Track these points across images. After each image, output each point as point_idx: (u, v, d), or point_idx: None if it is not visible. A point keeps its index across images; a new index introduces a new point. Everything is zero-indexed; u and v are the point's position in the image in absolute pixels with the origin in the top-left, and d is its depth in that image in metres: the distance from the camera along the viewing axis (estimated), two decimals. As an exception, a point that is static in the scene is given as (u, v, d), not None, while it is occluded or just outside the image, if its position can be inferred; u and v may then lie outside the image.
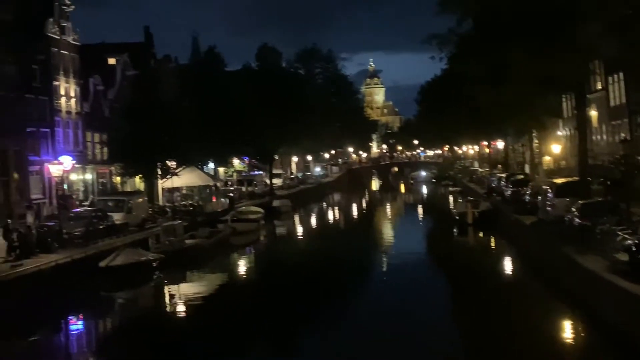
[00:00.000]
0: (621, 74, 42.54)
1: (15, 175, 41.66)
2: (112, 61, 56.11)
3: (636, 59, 26.55)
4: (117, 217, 37.16)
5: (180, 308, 26.81)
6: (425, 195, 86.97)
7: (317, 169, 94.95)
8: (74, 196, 45.50)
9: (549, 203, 31.36)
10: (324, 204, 77.05)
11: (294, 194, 70.39)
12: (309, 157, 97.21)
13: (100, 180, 52.38)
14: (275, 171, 72.26)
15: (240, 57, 72.59)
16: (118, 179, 52.41)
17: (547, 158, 52.37)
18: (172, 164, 46.88)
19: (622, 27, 24.54)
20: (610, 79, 45.35)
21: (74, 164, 44.66)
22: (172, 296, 29.55)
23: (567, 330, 20.36)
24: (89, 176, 50.50)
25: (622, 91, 42.95)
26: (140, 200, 42.31)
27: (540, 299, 24.21)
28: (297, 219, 60.01)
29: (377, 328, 21.40)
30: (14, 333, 22.30)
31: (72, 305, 26.42)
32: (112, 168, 51.70)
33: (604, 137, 47.96)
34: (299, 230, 54.09)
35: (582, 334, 19.79)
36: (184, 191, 52.40)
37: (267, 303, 25.95)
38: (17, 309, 23.75)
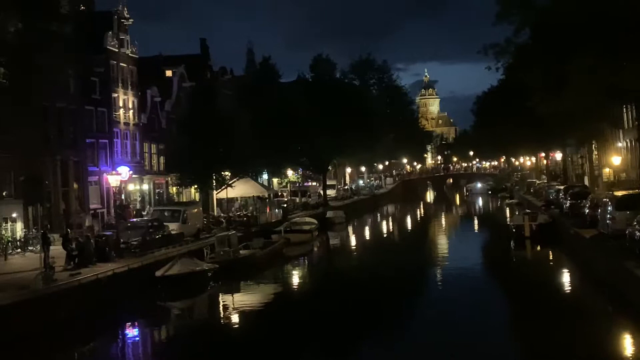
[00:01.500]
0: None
1: (75, 186, 42.59)
2: (169, 73, 57.11)
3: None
4: (173, 227, 37.54)
5: (234, 318, 26.89)
6: (481, 208, 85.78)
7: (360, 182, 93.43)
8: (131, 206, 46.29)
9: (609, 216, 30.48)
10: (378, 216, 76.63)
11: (348, 205, 70.20)
12: (363, 168, 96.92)
13: (157, 190, 53.17)
14: (329, 182, 72.24)
15: (298, 70, 73.01)
16: (174, 189, 53.11)
17: (606, 170, 51.10)
18: (226, 174, 47.27)
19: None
20: (674, 88, 44.02)
21: (131, 175, 45.59)
22: (226, 306, 29.66)
23: (631, 345, 19.68)
24: (145, 186, 51.33)
25: (686, 101, 41.63)
26: (196, 210, 42.68)
27: (603, 315, 23.51)
28: (350, 230, 59.75)
29: (434, 342, 21.06)
30: (72, 341, 22.67)
31: (128, 314, 26.78)
32: (169, 178, 52.44)
33: (667, 148, 46.55)
34: (353, 241, 53.84)
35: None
36: (238, 201, 52.76)
37: (321, 315, 25.79)
38: (75, 317, 24.16)
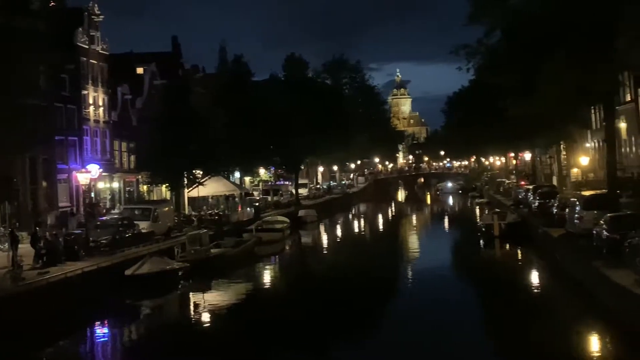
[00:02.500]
0: (652, 86, 42.01)
1: (44, 183, 42.13)
2: (140, 70, 56.72)
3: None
4: (143, 226, 37.29)
5: (205, 318, 26.82)
6: (451, 207, 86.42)
7: (332, 183, 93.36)
8: (101, 204, 45.90)
9: (576, 216, 30.95)
10: (350, 214, 76.86)
11: (320, 204, 70.32)
12: (335, 167, 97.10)
13: (127, 188, 52.78)
14: (301, 181, 72.31)
15: (272, 69, 72.97)
16: (145, 187, 52.77)
17: (575, 170, 51.81)
18: (198, 173, 47.10)
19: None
20: (640, 90, 44.79)
21: (101, 173, 45.18)
22: (197, 305, 29.57)
23: (599, 344, 20.01)
24: (115, 185, 50.93)
25: (652, 103, 42.40)
26: (167, 209, 42.47)
27: (570, 313, 23.85)
28: (322, 229, 59.88)
29: (405, 341, 21.23)
30: (40, 340, 22.44)
31: (97, 314, 26.57)
32: (139, 177, 52.10)
33: (633, 149, 47.32)
34: (325, 240, 53.96)
35: (614, 348, 19.43)
36: (210, 200, 52.61)
37: (292, 314, 25.84)
38: (44, 316, 23.91)
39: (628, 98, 47.23)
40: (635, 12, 22.28)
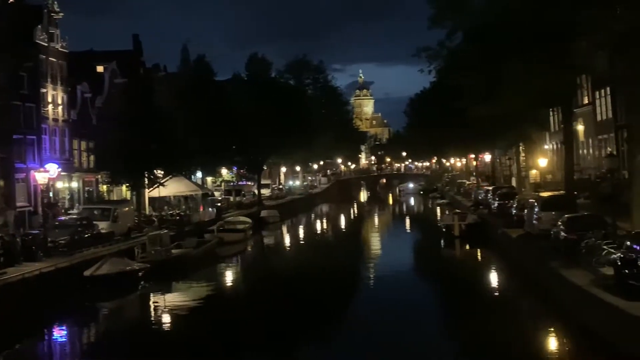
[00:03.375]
0: (608, 89, 42.84)
1: (1, 183, 41.39)
2: (100, 69, 56.00)
3: (625, 75, 26.72)
4: (102, 226, 36.95)
5: (165, 319, 26.64)
6: (412, 207, 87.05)
7: (291, 182, 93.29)
8: (59, 204, 45.22)
9: (535, 216, 31.45)
10: (312, 215, 76.97)
11: (282, 204, 70.28)
12: (298, 168, 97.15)
13: (87, 188, 52.08)
14: (263, 181, 72.16)
15: (237, 69, 72.62)
16: (104, 187, 52.15)
17: (533, 171, 52.57)
18: (159, 172, 46.72)
19: (613, 44, 24.76)
20: (597, 93, 45.66)
21: (60, 172, 44.44)
22: (157, 306, 29.34)
23: (556, 344, 20.35)
24: (75, 184, 50.20)
25: (608, 106, 43.25)
26: (127, 209, 42.09)
27: (528, 313, 24.22)
28: (284, 229, 59.90)
29: (367, 341, 21.32)
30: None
31: (55, 315, 26.20)
32: (99, 176, 51.46)
33: (590, 151, 48.22)
34: (287, 241, 53.96)
35: (570, 347, 19.79)
36: (171, 200, 52.23)
37: (253, 314, 25.81)
38: (1, 317, 23.50)
39: (586, 101, 48.14)
40: (592, 16, 22.70)
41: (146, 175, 46.05)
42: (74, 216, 38.88)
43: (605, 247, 21.67)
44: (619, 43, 23.36)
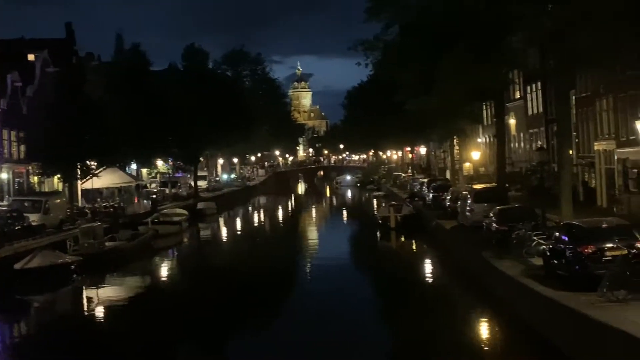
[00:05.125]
0: (539, 84, 43.97)
1: None
2: (31, 57, 54.40)
3: (554, 70, 27.47)
4: (33, 218, 36.05)
5: (99, 312, 26.26)
6: (349, 199, 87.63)
7: (232, 175, 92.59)
8: (-12, 196, 43.91)
9: (468, 208, 32.10)
10: (250, 207, 76.75)
11: (220, 196, 69.81)
12: (235, 160, 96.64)
13: (17, 179, 50.64)
14: (200, 173, 71.48)
15: (174, 60, 71.43)
16: (35, 178, 50.82)
17: (467, 164, 53.56)
18: (92, 163, 45.81)
19: (543, 39, 25.42)
20: (528, 88, 46.82)
21: (-12, 163, 43.15)
22: (90, 300, 28.90)
23: (487, 331, 20.84)
24: (4, 175, 48.71)
25: (539, 101, 44.40)
26: (59, 201, 41.20)
27: (462, 302, 24.72)
28: (222, 221, 59.62)
29: (305, 333, 21.40)
30: None
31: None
32: (30, 167, 50.13)
33: (522, 144, 49.45)
34: (223, 233, 53.68)
35: (500, 334, 20.30)
36: (104, 192, 51.27)
37: (187, 308, 25.61)
38: None
39: (517, 95, 49.32)
40: (523, 12, 23.23)
41: (79, 166, 45.08)
42: (4, 208, 37.81)
43: (535, 238, 22.32)
44: (549, 39, 24.00)
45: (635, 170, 29.84)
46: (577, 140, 37.40)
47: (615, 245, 17.38)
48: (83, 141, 42.69)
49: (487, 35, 26.19)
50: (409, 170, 74.91)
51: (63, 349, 20.79)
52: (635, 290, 15.78)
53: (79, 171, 45.53)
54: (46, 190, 49.02)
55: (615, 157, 31.95)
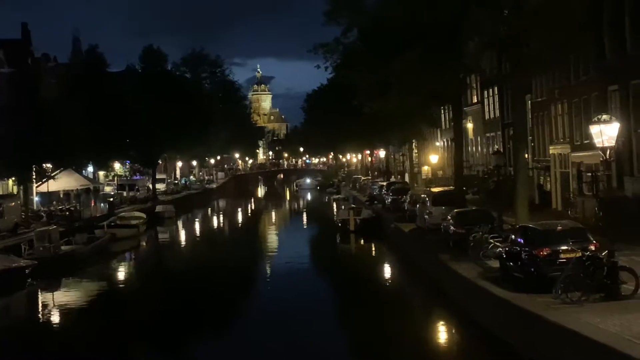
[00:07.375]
0: (495, 89, 44.58)
1: None
2: (-15, 58, 53.36)
3: (510, 75, 27.90)
4: (-14, 222, 35.39)
5: (55, 317, 25.82)
6: (309, 202, 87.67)
7: (191, 178, 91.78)
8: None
9: (426, 211, 32.34)
10: (209, 210, 76.29)
11: (178, 199, 69.21)
12: (194, 163, 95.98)
13: (-30, 182, 49.60)
14: (158, 176, 70.81)
15: (131, 61, 70.54)
16: (-11, 181, 49.79)
17: (425, 168, 54.06)
18: (48, 166, 45.05)
19: (499, 44, 25.78)
20: (485, 93, 47.43)
21: (-61, 165, 42.13)
22: (45, 305, 28.41)
23: (444, 333, 21.04)
24: (-44, 178, 47.72)
25: (496, 105, 45.02)
26: (13, 204, 40.50)
27: (419, 304, 24.89)
28: (180, 224, 59.16)
29: (262, 336, 21.37)
30: None
31: None
32: (-17, 170, 49.07)
33: (479, 148, 50.06)
34: (182, 236, 53.26)
35: (458, 336, 20.49)
36: (61, 195, 50.46)
37: (145, 312, 25.33)
38: None
39: (475, 100, 49.93)
40: (480, 17, 23.53)
41: (34, 168, 44.30)
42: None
43: (491, 240, 22.57)
44: (505, 44, 24.34)
45: (590, 174, 30.39)
46: (532, 144, 37.99)
47: (569, 248, 17.62)
48: (38, 143, 41.95)
49: (444, 40, 26.44)
50: (369, 174, 75.25)
51: (16, 354, 20.39)
52: (589, 292, 16.04)
53: (34, 174, 44.76)
54: (0, 193, 48.08)
55: (570, 161, 32.52)
